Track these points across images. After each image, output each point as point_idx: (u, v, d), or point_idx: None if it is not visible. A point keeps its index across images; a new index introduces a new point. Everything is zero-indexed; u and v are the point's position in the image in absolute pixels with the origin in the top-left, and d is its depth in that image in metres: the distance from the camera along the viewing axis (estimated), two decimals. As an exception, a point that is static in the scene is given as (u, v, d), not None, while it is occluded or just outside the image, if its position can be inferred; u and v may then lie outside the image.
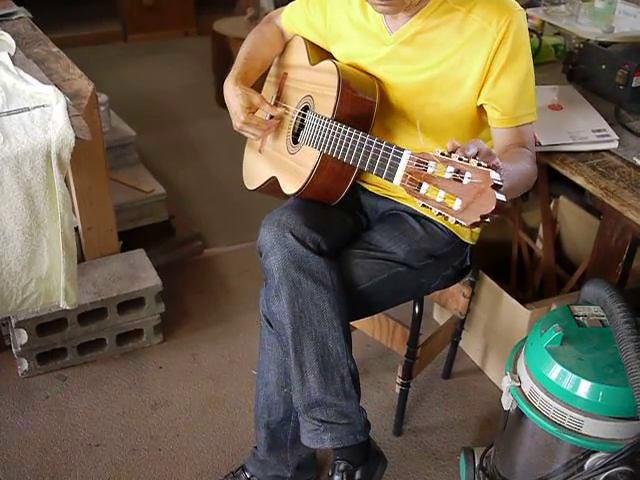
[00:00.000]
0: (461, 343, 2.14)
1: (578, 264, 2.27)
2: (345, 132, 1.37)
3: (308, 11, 1.69)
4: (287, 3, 1.81)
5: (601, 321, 1.48)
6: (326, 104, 1.50)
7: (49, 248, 1.84)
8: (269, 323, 1.55)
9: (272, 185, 1.69)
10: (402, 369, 1.87)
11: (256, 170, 1.79)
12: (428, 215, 1.59)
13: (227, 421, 2.01)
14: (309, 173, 1.49)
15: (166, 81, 4.17)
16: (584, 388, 1.34)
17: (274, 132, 1.71)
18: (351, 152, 1.36)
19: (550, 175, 2.10)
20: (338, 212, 1.60)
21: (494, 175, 1.00)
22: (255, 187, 1.78)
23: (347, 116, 1.47)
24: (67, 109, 1.75)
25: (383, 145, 1.25)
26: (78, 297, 1.88)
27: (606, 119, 1.73)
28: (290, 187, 1.57)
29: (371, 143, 1.29)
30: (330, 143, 1.42)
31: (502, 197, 1.01)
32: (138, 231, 2.47)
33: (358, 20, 1.55)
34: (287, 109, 1.69)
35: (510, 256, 2.37)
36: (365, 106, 1.50)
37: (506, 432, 1.55)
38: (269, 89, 1.84)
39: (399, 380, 1.89)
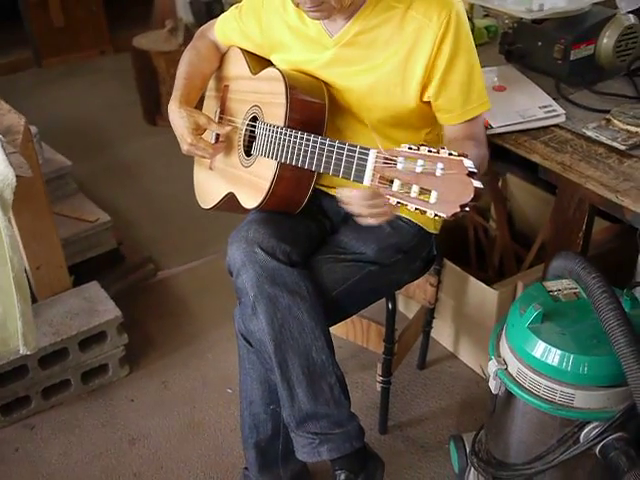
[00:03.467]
0: (432, 332, 2.14)
1: (533, 239, 2.30)
2: (302, 138, 1.34)
3: (242, 22, 1.65)
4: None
5: (575, 294, 1.50)
6: (276, 112, 1.46)
7: (1, 294, 1.75)
8: (247, 342, 1.51)
9: (230, 202, 1.64)
10: (381, 367, 1.86)
11: (210, 188, 1.75)
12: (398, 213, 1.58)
13: (210, 445, 1.96)
14: (268, 185, 1.46)
15: (89, 104, 4.04)
16: (571, 362, 1.35)
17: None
18: (312, 158, 1.33)
19: (493, 154, 2.12)
20: (302, 220, 1.57)
21: (467, 163, 0.99)
22: (211, 206, 1.73)
23: (299, 122, 1.44)
24: (2, 147, 1.67)
25: (346, 147, 1.22)
26: (37, 340, 1.79)
27: (549, 94, 1.76)
28: (250, 201, 1.53)
29: (332, 146, 1.26)
30: (287, 152, 1.39)
31: (479, 184, 1.00)
32: (88, 263, 2.38)
33: (296, 26, 1.52)
34: (234, 122, 1.65)
35: (467, 239, 2.39)
36: (316, 110, 1.47)
37: (496, 415, 1.55)
38: (210, 104, 1.80)
39: (379, 378, 1.88)
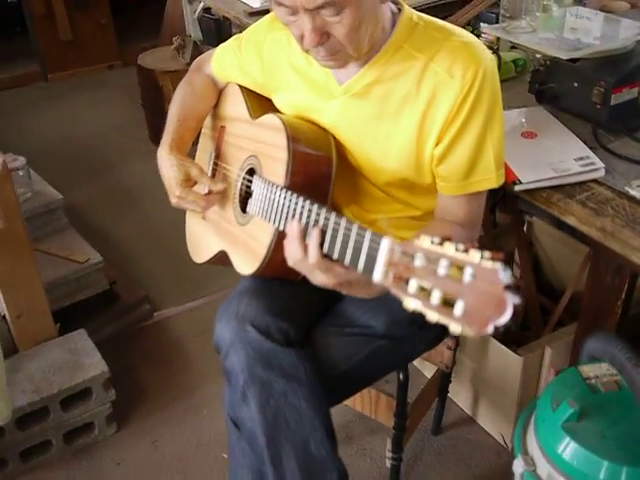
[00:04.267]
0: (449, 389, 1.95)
1: (560, 289, 2.10)
2: (304, 207, 1.14)
3: (241, 57, 1.46)
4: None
5: (616, 382, 1.30)
6: (275, 168, 1.28)
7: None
8: (237, 426, 1.33)
9: (223, 259, 1.46)
10: (391, 442, 1.66)
11: (202, 241, 1.56)
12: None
13: (201, 521, 1.78)
14: (265, 251, 1.27)
15: (93, 122, 3.89)
16: (617, 474, 1.15)
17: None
18: (314, 236, 1.13)
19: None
20: (302, 286, 1.37)
21: (503, 275, 0.79)
22: (203, 261, 1.55)
23: (302, 180, 1.25)
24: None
25: (354, 230, 1.01)
26: (10, 410, 1.62)
27: (585, 142, 1.56)
28: (244, 267, 1.34)
29: (338, 224, 1.05)
30: (286, 218, 1.19)
31: (517, 300, 0.80)
32: (76, 305, 2.20)
33: (301, 66, 1.33)
34: (229, 170, 1.46)
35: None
36: (322, 165, 1.28)
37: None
38: (206, 144, 1.62)
39: (389, 454, 1.69)
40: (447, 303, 0.84)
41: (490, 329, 0.81)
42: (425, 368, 2.09)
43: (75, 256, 2.18)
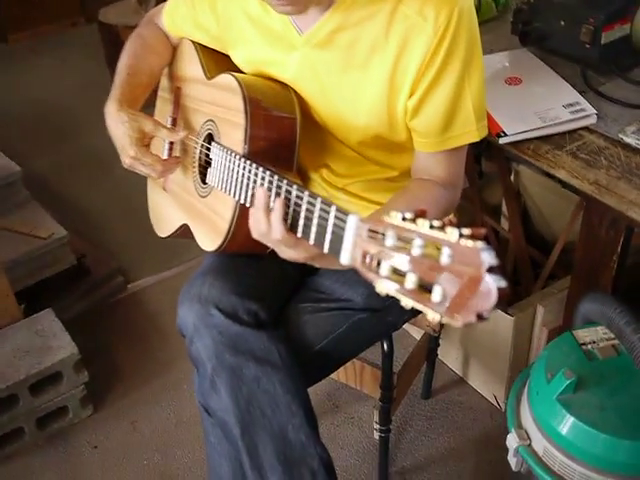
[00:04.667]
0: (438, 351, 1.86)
1: (551, 241, 2.00)
2: (264, 179, 1.02)
3: (194, 9, 1.32)
4: None
5: (614, 346, 1.21)
6: (233, 134, 1.15)
7: None
8: (210, 414, 1.23)
9: (187, 232, 1.34)
10: (379, 414, 1.58)
11: (164, 214, 1.45)
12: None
13: (184, 503, 1.70)
14: (227, 226, 1.15)
15: (58, 84, 3.69)
16: (618, 448, 1.07)
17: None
18: (277, 209, 1.00)
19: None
20: (272, 260, 1.26)
21: (485, 255, 0.68)
22: (166, 235, 1.44)
23: (263, 148, 1.12)
24: None
25: (318, 205, 0.89)
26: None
27: (574, 86, 1.43)
28: (206, 242, 1.23)
29: (300, 198, 0.93)
30: (246, 192, 1.07)
31: (503, 282, 0.69)
32: (43, 283, 2.09)
33: (257, 16, 1.19)
34: (188, 137, 1.33)
35: (475, 244, 2.08)
36: (285, 128, 1.16)
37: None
38: (163, 109, 1.48)
39: (377, 426, 1.60)
40: (424, 288, 0.73)
41: (472, 318, 0.70)
42: (412, 328, 2.00)
43: (37, 231, 2.05)
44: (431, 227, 0.72)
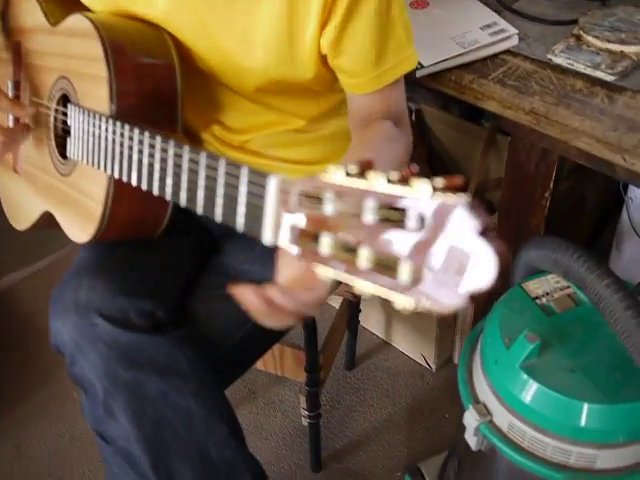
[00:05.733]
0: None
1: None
2: (142, 142, 0.77)
3: None
4: None
5: (569, 296, 1.07)
6: (95, 91, 0.89)
7: None
8: (108, 442, 0.99)
9: (51, 222, 1.07)
10: (306, 401, 1.39)
11: (19, 201, 1.17)
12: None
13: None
14: (101, 209, 0.90)
15: None
16: (592, 414, 0.93)
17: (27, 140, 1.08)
18: (162, 180, 0.76)
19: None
20: (166, 243, 1.02)
21: (471, 215, 0.48)
22: (25, 227, 1.16)
23: (135, 105, 0.88)
24: None
25: (222, 168, 0.65)
26: None
27: (487, 6, 1.26)
28: (77, 233, 0.97)
29: (196, 162, 0.68)
30: (120, 162, 0.82)
31: (502, 248, 0.49)
32: None
33: None
34: (40, 104, 1.06)
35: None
36: (160, 79, 0.91)
37: (478, 473, 1.14)
38: (2, 71, 1.18)
39: (305, 413, 1.42)
40: (384, 266, 0.53)
41: (462, 300, 0.51)
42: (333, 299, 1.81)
43: None
44: (389, 181, 0.52)
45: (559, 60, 1.13)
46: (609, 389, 0.93)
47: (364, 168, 0.54)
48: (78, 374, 0.92)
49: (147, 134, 0.77)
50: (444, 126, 1.91)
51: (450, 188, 0.50)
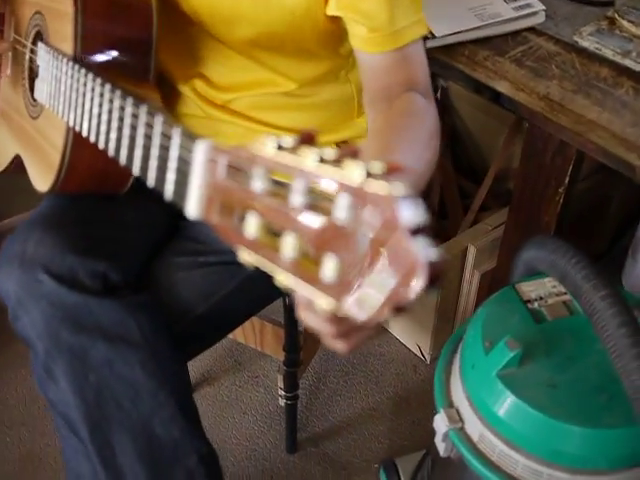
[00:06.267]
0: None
1: (484, 170, 1.75)
2: (94, 90, 0.70)
3: None
4: None
5: (564, 303, 0.97)
6: (62, 29, 0.82)
7: None
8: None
9: (22, 166, 1.02)
10: (283, 380, 1.33)
11: (-5, 141, 1.11)
12: None
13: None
14: (60, 157, 0.84)
15: None
16: (568, 436, 0.85)
17: (5, 76, 1.02)
18: (107, 133, 0.68)
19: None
20: (134, 201, 0.96)
21: (406, 209, 0.40)
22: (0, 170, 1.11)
23: (103, 47, 0.81)
24: None
25: (158, 127, 0.57)
26: None
27: (516, -24, 1.15)
28: (39, 180, 0.91)
29: (135, 117, 0.61)
30: (75, 109, 0.76)
31: (436, 253, 0.41)
32: None
33: None
34: (18, 41, 0.99)
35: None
36: (133, 19, 0.83)
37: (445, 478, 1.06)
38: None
39: (282, 393, 1.36)
40: (310, 259, 0.46)
41: (388, 311, 0.43)
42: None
43: None
44: (321, 160, 0.44)
45: (586, 43, 1.02)
46: (591, 411, 0.85)
47: (302, 142, 0.46)
48: (20, 330, 0.87)
49: (98, 81, 0.70)
50: (471, 107, 1.81)
51: (389, 175, 0.42)
